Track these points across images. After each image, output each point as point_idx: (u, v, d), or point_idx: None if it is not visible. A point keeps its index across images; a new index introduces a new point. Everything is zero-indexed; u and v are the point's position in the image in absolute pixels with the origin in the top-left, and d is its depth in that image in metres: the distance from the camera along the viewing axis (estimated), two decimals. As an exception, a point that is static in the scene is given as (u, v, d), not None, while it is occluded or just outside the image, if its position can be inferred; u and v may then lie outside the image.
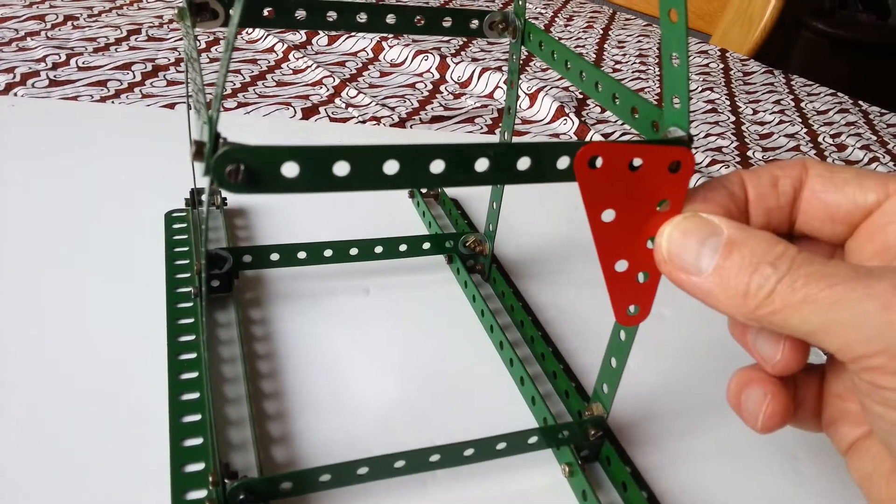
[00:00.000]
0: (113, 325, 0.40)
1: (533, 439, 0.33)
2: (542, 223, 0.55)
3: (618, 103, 0.31)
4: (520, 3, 0.39)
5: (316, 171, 0.22)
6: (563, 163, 0.25)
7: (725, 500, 0.35)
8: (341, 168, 0.22)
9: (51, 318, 0.40)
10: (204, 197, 0.22)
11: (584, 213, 0.25)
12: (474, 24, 0.40)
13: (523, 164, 0.24)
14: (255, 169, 0.21)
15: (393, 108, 0.74)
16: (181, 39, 0.85)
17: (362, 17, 0.38)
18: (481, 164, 0.24)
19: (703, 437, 0.38)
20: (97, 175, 0.54)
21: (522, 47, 0.40)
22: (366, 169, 0.22)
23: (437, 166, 0.23)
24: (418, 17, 0.39)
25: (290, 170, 0.22)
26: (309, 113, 0.71)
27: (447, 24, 0.39)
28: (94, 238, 0.47)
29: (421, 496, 0.32)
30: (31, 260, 0.44)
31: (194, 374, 0.36)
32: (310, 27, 0.37)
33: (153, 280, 0.43)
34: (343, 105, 0.73)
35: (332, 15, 0.37)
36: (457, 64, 0.86)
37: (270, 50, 0.86)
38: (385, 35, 0.90)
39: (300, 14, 0.37)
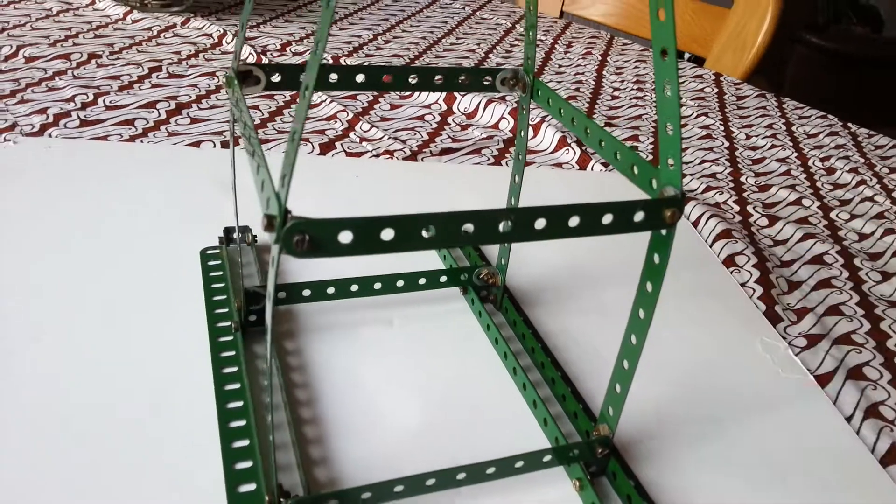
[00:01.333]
0: (158, 359, 0.44)
1: (547, 458, 0.37)
2: (549, 255, 0.59)
3: (619, 160, 0.35)
4: (528, 62, 0.43)
5: (367, 237, 0.26)
6: (573, 221, 0.29)
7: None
8: (387, 234, 0.26)
9: (92, 357, 0.43)
10: (270, 260, 0.26)
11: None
12: (487, 80, 0.44)
13: (540, 224, 0.28)
14: (317, 237, 0.25)
15: (404, 142, 0.78)
16: (200, 77, 0.90)
17: (388, 79, 0.42)
18: (504, 226, 0.28)
19: (702, 451, 0.42)
20: (133, 213, 0.58)
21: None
22: (407, 234, 0.27)
23: (468, 228, 0.27)
24: (438, 77, 0.43)
25: (345, 237, 0.26)
26: (326, 148, 0.75)
27: (463, 81, 0.44)
28: (132, 276, 0.51)
29: None
30: (72, 299, 0.48)
31: (240, 403, 0.40)
32: (342, 89, 0.41)
33: (193, 315, 0.47)
34: (357, 139, 0.78)
35: (360, 78, 0.41)
36: (463, 96, 0.90)
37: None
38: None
39: (333, 78, 0.41)
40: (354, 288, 0.48)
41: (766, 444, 0.44)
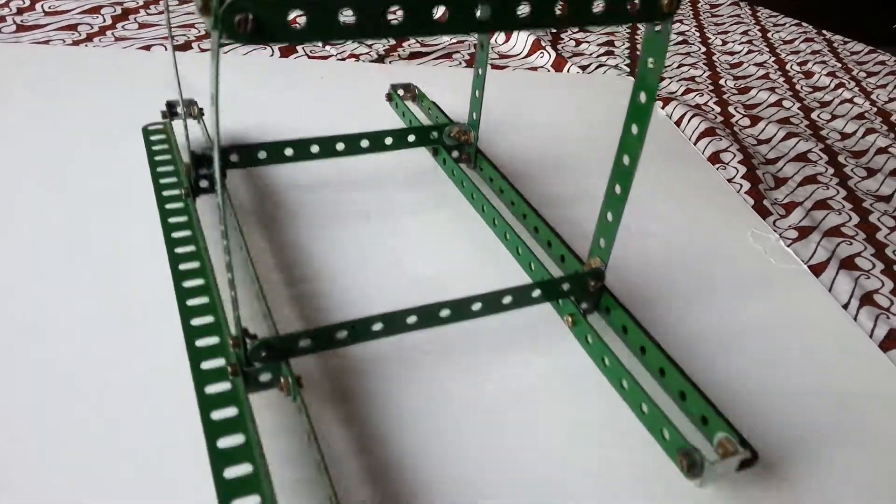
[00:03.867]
0: (109, 233, 0.40)
1: (536, 292, 0.34)
2: (515, 118, 0.56)
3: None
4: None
5: (322, 18, 0.23)
6: (559, 8, 0.26)
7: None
8: (347, 15, 0.23)
9: (47, 235, 0.40)
10: (211, 54, 0.22)
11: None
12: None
13: (523, 8, 0.25)
14: (262, 18, 0.22)
15: (370, 46, 0.74)
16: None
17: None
18: (483, 11, 0.25)
19: (698, 341, 0.40)
20: (77, 117, 0.54)
21: None
22: (371, 16, 0.23)
23: (439, 11, 0.24)
24: None
25: (296, 18, 0.22)
26: (287, 52, 0.70)
27: None
28: (75, 160, 0.47)
29: (440, 363, 0.34)
30: (14, 190, 0.44)
31: (195, 264, 0.37)
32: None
33: (141, 188, 0.43)
34: (320, 43, 0.73)
35: None
36: (430, 4, 0.86)
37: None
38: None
39: None
40: (315, 149, 0.44)
41: (764, 330, 0.41)
